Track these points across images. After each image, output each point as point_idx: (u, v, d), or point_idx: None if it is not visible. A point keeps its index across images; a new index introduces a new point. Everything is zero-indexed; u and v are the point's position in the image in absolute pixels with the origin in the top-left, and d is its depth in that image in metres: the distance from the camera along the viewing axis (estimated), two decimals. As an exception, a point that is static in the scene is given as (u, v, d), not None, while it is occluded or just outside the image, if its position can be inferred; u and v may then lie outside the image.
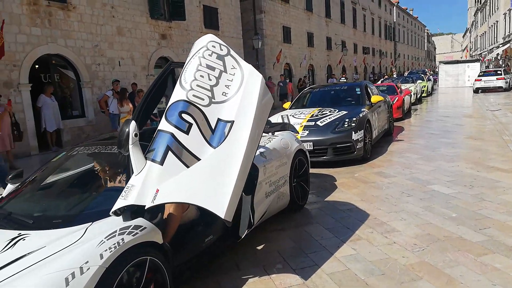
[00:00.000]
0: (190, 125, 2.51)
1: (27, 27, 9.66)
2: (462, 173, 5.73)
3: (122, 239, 2.09)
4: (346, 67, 33.66)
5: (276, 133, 4.51)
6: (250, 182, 3.48)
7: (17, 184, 3.22)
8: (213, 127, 2.56)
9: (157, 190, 2.28)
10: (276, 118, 7.31)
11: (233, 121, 2.58)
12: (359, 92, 8.15)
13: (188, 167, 2.39)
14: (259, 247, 3.61)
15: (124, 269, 2.07)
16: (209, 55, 2.81)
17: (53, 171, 3.23)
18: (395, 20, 52.15)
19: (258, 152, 3.76)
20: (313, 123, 6.74)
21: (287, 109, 8.40)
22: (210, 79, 2.71)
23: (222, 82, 2.73)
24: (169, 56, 14.34)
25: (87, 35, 11.16)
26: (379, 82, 21.19)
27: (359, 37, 37.69)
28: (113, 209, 2.28)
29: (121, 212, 2.30)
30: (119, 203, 2.28)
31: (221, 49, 2.86)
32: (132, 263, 2.13)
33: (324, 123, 6.68)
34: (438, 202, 4.53)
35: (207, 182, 2.35)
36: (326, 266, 3.16)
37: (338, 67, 31.70)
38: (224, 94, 2.70)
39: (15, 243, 2.19)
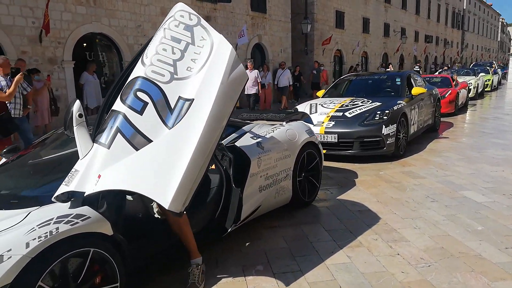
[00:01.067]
0: (146, 104, 2.28)
1: (73, 5, 9.94)
2: (505, 179, 5.03)
3: (57, 228, 1.94)
4: (405, 56, 31.75)
5: (286, 123, 4.18)
6: (240, 174, 3.23)
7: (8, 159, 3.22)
8: (172, 106, 2.30)
9: (99, 176, 2.09)
10: (304, 107, 6.92)
11: (193, 99, 2.31)
12: (399, 83, 7.49)
13: (137, 150, 2.17)
14: (247, 244, 3.36)
15: (57, 260, 1.92)
16: (175, 25, 2.54)
17: (39, 149, 3.18)
18: (465, 7, 48.08)
19: (254, 142, 3.49)
20: (341, 113, 6.27)
21: (319, 97, 7.95)
22: (174, 53, 2.44)
23: (188, 55, 2.46)
24: (213, 38, 14.23)
25: (130, 15, 11.32)
26: (436, 73, 19.68)
27: (421, 24, 35.26)
28: (54, 195, 2.13)
29: (65, 198, 2.15)
30: (60, 189, 2.12)
31: (190, 19, 2.56)
32: (68, 254, 1.97)
33: (352, 114, 6.19)
34: (466, 211, 3.98)
35: (154, 167, 2.12)
36: (311, 273, 2.84)
37: (395, 56, 29.97)
38: (188, 69, 2.42)
39: None
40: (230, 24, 14.91)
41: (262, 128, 3.83)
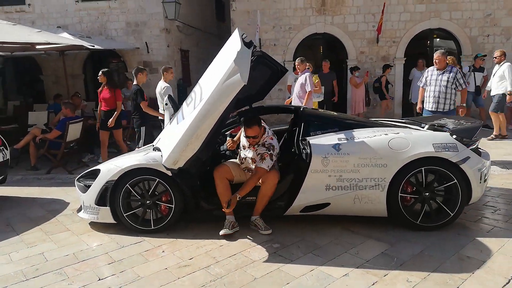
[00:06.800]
0: (192, 100, 3.53)
1: (412, 5, 10.61)
2: None
3: (141, 160, 3.75)
4: None
5: (401, 130, 3.81)
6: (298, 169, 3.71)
7: None
8: (201, 100, 3.30)
9: (159, 138, 3.69)
10: None
11: (204, 97, 3.28)
12: None
13: (178, 124, 3.53)
14: (312, 233, 3.73)
15: (136, 178, 3.73)
16: (230, 45, 3.47)
17: None
18: None
19: (332, 143, 3.66)
20: None
21: None
22: (217, 66, 3.45)
23: (222, 68, 3.23)
24: None
25: (478, 5, 10.43)
26: None
27: None
28: (154, 145, 3.98)
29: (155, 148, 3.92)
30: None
31: (236, 40, 3.34)
32: (144, 177, 3.73)
33: None
34: None
35: (173, 135, 3.44)
36: (293, 266, 3.07)
37: None
38: (217, 77, 3.25)
39: None
40: None
41: (365, 133, 3.76)
